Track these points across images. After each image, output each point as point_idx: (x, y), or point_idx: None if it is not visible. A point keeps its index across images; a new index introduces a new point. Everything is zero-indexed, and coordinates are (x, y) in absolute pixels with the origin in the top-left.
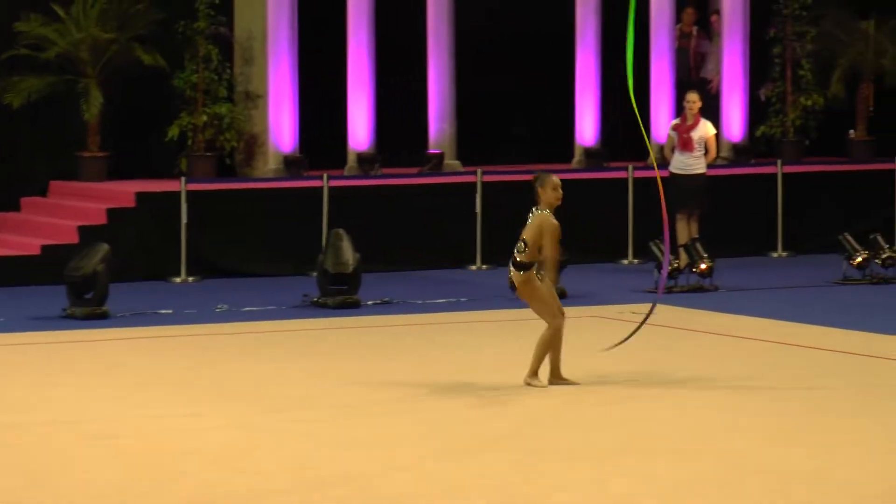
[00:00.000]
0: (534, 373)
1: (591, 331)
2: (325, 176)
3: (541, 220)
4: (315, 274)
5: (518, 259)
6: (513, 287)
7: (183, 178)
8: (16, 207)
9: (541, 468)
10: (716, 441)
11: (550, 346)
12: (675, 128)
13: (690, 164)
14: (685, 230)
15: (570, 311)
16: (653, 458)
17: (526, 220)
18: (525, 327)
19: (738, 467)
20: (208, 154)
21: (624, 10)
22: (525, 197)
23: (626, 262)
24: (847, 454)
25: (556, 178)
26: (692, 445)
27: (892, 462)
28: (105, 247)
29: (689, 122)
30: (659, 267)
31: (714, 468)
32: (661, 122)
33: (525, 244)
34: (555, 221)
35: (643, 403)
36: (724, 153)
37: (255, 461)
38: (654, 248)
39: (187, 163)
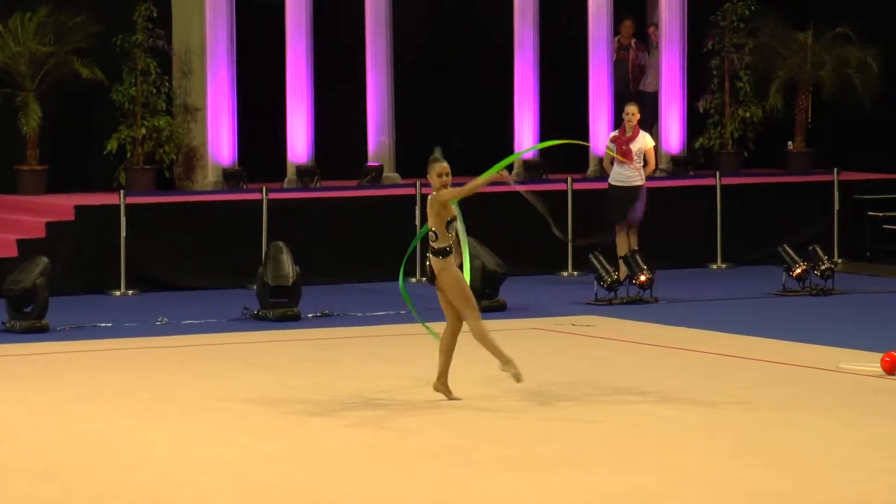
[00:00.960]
0: (508, 361)
1: (531, 342)
2: (264, 189)
3: (429, 202)
4: (255, 287)
5: (434, 246)
6: (432, 277)
7: (122, 192)
8: None
9: (478, 479)
10: (654, 453)
11: (489, 339)
12: (613, 140)
13: (629, 175)
14: (624, 242)
15: (510, 324)
16: (590, 470)
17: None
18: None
19: (677, 480)
20: (147, 167)
21: (563, 23)
22: (464, 209)
23: (565, 273)
24: (784, 465)
25: (443, 165)
26: (630, 458)
27: (824, 473)
28: (44, 260)
29: (628, 135)
30: (598, 279)
31: (652, 481)
32: (600, 135)
33: (433, 231)
34: (435, 196)
35: (581, 415)
36: (662, 165)
37: (196, 474)
38: (594, 260)
39: (126, 176)
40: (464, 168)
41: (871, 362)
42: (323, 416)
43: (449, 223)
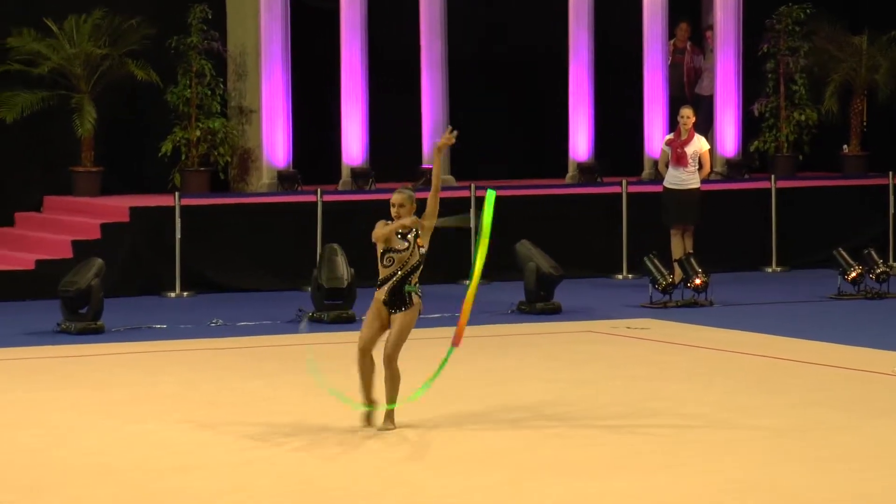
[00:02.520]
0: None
1: (585, 345)
2: (318, 191)
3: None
4: (310, 289)
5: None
6: (400, 303)
7: (177, 193)
8: (10, 222)
9: (534, 483)
10: (707, 458)
11: (398, 380)
12: (668, 143)
13: (684, 179)
14: (679, 245)
15: (565, 326)
16: (644, 475)
17: (518, 235)
18: (520, 343)
19: (730, 485)
20: (202, 169)
21: (616, 25)
22: (519, 212)
23: (619, 276)
24: (839, 470)
25: (394, 196)
26: (683, 463)
27: (881, 478)
28: (99, 261)
29: (683, 138)
30: (653, 282)
31: (706, 486)
32: (655, 138)
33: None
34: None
35: (635, 420)
36: (717, 168)
37: (251, 476)
38: (649, 263)
39: (181, 178)
40: (517, 171)
41: None
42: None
43: (384, 253)
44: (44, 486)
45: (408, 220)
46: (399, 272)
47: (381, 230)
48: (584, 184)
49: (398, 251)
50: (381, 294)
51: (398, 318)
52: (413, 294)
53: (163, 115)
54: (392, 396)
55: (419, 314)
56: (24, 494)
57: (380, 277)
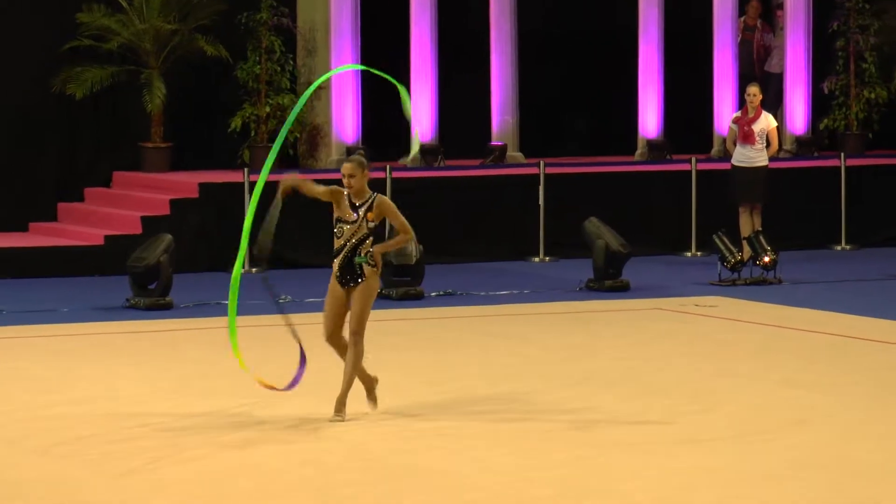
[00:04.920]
0: (343, 404)
1: (654, 322)
2: (388, 167)
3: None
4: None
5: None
6: (354, 277)
7: (246, 169)
8: (80, 198)
9: (603, 460)
10: (776, 434)
11: (361, 365)
12: (736, 120)
13: (752, 156)
14: (748, 223)
15: (634, 304)
16: (712, 451)
17: (587, 212)
18: (589, 319)
19: (799, 461)
20: (271, 145)
21: (686, 1)
22: (588, 189)
23: (689, 254)
24: None
25: (344, 166)
26: (752, 439)
27: None
28: (168, 237)
29: (751, 115)
30: (722, 260)
31: (774, 462)
32: (724, 115)
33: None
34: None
35: (703, 396)
36: (787, 146)
37: (318, 453)
38: (718, 241)
39: (250, 154)
40: (585, 148)
41: None
42: (444, 397)
43: (335, 222)
44: (111, 462)
45: (373, 212)
46: (345, 245)
47: (329, 189)
48: (654, 161)
49: (348, 222)
50: (334, 266)
51: (356, 293)
52: (363, 265)
53: (232, 91)
54: (350, 380)
55: (378, 283)
56: (92, 470)
57: (334, 248)
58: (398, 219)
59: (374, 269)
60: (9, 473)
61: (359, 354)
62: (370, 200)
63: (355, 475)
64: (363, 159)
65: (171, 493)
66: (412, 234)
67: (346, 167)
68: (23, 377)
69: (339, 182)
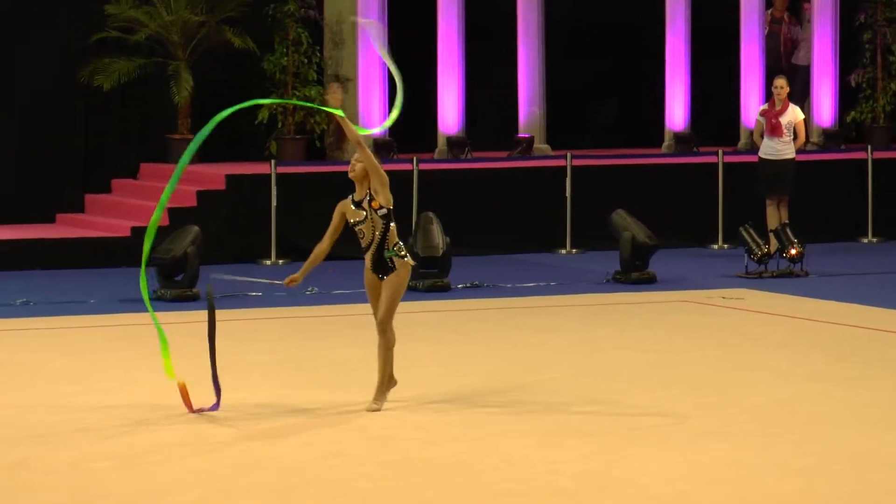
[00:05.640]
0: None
1: (680, 315)
2: (414, 159)
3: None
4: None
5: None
6: (386, 268)
7: (273, 161)
8: (107, 189)
9: (627, 453)
10: (801, 428)
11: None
12: (763, 113)
13: (779, 149)
14: (775, 215)
15: (660, 296)
16: (737, 445)
17: (614, 204)
18: (615, 312)
19: (824, 454)
20: (298, 137)
21: None
22: (615, 181)
23: (715, 246)
24: None
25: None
26: (777, 432)
27: None
28: (195, 229)
29: (778, 108)
30: (749, 252)
31: (799, 455)
32: (751, 108)
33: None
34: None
35: (728, 389)
36: (814, 139)
37: (346, 444)
38: (745, 234)
39: (277, 145)
40: (612, 140)
41: None
42: (469, 388)
43: (352, 226)
44: (138, 450)
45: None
46: (371, 242)
47: (337, 212)
48: (680, 153)
49: (360, 222)
50: (367, 261)
51: (385, 283)
52: (393, 258)
53: (259, 83)
54: (385, 368)
55: (409, 274)
56: (118, 463)
57: (362, 247)
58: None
59: (405, 260)
60: (32, 464)
61: (388, 344)
62: (368, 191)
63: (379, 468)
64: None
65: (193, 484)
66: (372, 159)
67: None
68: (48, 368)
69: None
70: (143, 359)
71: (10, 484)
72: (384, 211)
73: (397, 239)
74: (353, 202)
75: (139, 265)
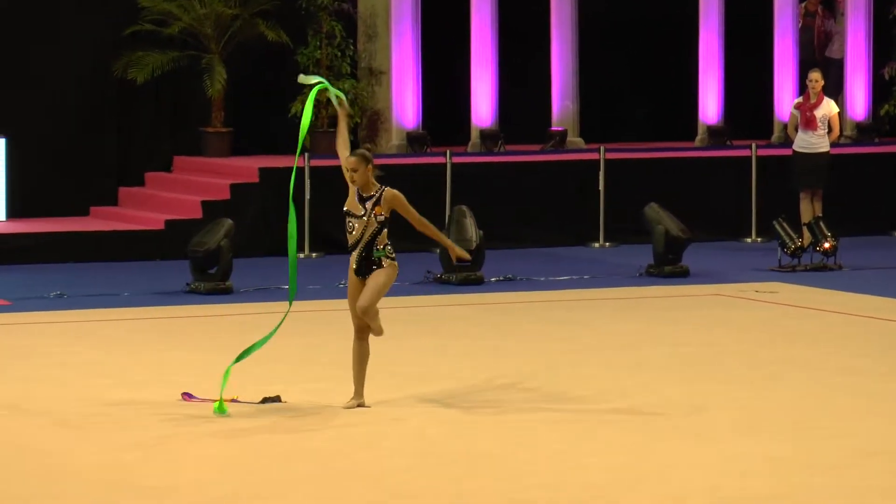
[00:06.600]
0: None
1: (713, 308)
2: (448, 152)
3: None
4: (438, 251)
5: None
6: (370, 267)
7: (306, 154)
8: (140, 182)
9: (659, 447)
10: (833, 421)
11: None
12: (797, 106)
13: (814, 142)
14: (809, 209)
15: (693, 289)
16: (768, 438)
17: (647, 198)
18: (648, 305)
19: (856, 448)
20: (331, 130)
21: None
22: (648, 174)
23: (749, 240)
24: None
25: (348, 159)
26: (808, 426)
27: None
28: (228, 222)
29: (812, 101)
30: (782, 246)
31: (831, 449)
32: (785, 101)
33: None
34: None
35: (760, 383)
36: (847, 132)
37: (377, 437)
38: (778, 227)
39: (311, 139)
40: (645, 134)
41: None
42: (501, 382)
43: (345, 216)
44: (172, 443)
45: (382, 206)
46: (359, 241)
47: (345, 164)
48: (714, 147)
49: (356, 216)
50: (351, 262)
51: (372, 275)
52: (383, 258)
53: (293, 76)
54: (363, 370)
55: (396, 274)
56: (145, 453)
57: (349, 243)
58: (411, 214)
59: (394, 261)
60: (66, 458)
61: (377, 329)
62: (378, 194)
63: (411, 460)
64: (367, 154)
65: (227, 476)
66: (431, 226)
67: (350, 161)
68: (81, 361)
69: (395, 170)
70: (176, 351)
71: (43, 475)
72: (383, 218)
73: (388, 241)
74: (358, 194)
75: (173, 258)
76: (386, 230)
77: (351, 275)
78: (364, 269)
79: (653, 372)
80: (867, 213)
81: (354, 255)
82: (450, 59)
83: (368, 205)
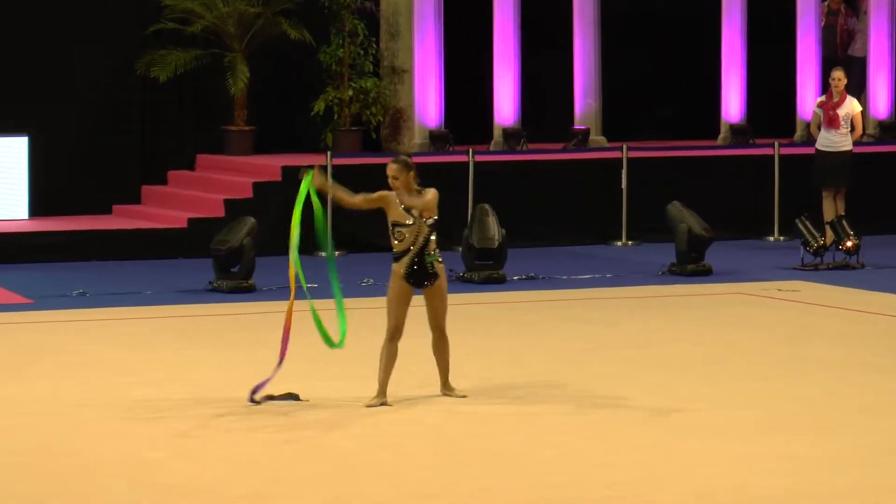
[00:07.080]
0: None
1: (736, 307)
2: (470, 151)
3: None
4: (460, 249)
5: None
6: (426, 277)
7: (329, 153)
8: (163, 181)
9: (681, 445)
10: (854, 420)
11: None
12: (820, 105)
13: (837, 141)
14: (831, 207)
15: (716, 288)
16: (790, 437)
17: (670, 196)
18: (671, 304)
19: (878, 446)
20: (354, 129)
21: None
22: (671, 173)
23: (771, 238)
24: None
25: (389, 166)
26: (830, 425)
27: None
28: (251, 220)
29: (835, 100)
30: (805, 244)
31: (853, 447)
32: (808, 100)
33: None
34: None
35: (783, 381)
36: (870, 130)
37: (398, 437)
38: (801, 226)
39: (333, 137)
40: (667, 132)
41: None
42: (523, 380)
43: (392, 227)
44: (193, 441)
45: (418, 202)
46: (412, 247)
47: (377, 196)
48: (736, 145)
49: (405, 225)
50: (399, 268)
51: (435, 290)
52: (434, 262)
53: (315, 75)
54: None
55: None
56: (171, 453)
57: (394, 251)
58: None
59: (441, 263)
60: (88, 455)
61: (447, 344)
62: (422, 197)
63: (432, 459)
64: (408, 160)
65: (248, 475)
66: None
67: (391, 168)
68: (104, 359)
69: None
70: (199, 350)
71: (65, 473)
72: (432, 221)
73: (436, 246)
74: (403, 207)
75: (195, 256)
76: (435, 235)
77: (399, 281)
78: (416, 277)
79: (675, 370)
80: (890, 212)
81: (405, 261)
82: (472, 57)
83: (415, 211)
